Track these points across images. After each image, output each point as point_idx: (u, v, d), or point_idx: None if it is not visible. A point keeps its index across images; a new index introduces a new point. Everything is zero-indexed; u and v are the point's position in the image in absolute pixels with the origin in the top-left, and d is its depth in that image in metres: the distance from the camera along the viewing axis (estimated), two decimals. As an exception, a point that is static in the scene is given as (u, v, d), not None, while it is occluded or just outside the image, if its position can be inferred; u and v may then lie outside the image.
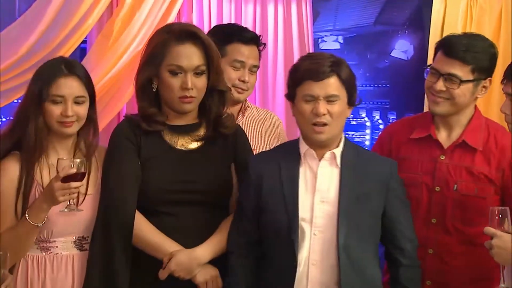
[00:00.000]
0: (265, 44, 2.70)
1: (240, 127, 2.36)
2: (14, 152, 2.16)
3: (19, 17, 3.30)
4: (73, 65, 2.19)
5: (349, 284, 2.01)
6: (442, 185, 2.33)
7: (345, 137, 2.17)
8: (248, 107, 2.71)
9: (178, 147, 2.19)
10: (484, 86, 2.32)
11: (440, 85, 2.27)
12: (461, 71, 2.25)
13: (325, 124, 2.04)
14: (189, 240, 2.12)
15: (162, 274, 2.07)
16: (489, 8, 3.39)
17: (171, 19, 3.53)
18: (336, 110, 2.05)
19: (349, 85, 2.08)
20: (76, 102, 2.14)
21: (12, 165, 2.13)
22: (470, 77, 2.26)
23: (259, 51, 2.64)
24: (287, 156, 2.14)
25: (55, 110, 2.13)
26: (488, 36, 3.39)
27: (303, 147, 2.12)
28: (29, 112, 2.14)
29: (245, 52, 2.54)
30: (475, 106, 2.40)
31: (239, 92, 2.56)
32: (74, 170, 2.00)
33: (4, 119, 3.63)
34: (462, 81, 2.25)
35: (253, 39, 2.59)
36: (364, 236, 2.07)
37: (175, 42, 2.13)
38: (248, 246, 2.15)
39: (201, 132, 2.23)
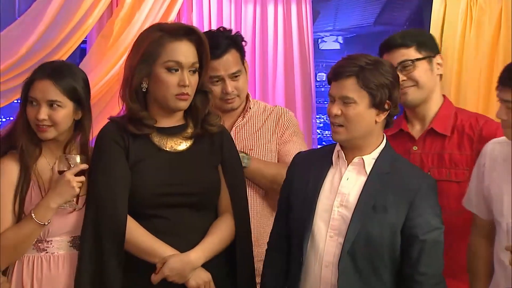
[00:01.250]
0: (246, 41, 2.63)
1: (226, 129, 2.34)
2: (13, 151, 2.16)
3: (19, 17, 3.31)
4: (57, 70, 2.15)
5: None
6: None
7: (388, 145, 2.10)
8: (250, 108, 2.68)
9: (167, 149, 2.17)
10: (438, 63, 2.43)
11: (400, 76, 2.31)
12: (408, 55, 2.37)
13: (340, 125, 2.01)
14: (181, 242, 2.10)
15: (155, 279, 2.06)
16: (489, 8, 3.39)
17: (171, 19, 3.53)
18: (350, 113, 1.98)
19: (373, 89, 1.98)
20: (51, 106, 2.12)
21: (12, 165, 2.13)
22: (419, 56, 2.37)
23: (240, 50, 2.58)
24: (323, 157, 2.13)
25: (31, 112, 2.13)
26: (488, 36, 3.40)
27: (337, 148, 2.11)
28: (20, 113, 2.17)
29: (218, 66, 2.48)
30: (444, 96, 2.48)
31: (230, 103, 2.55)
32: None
33: (4, 119, 3.64)
34: (413, 61, 2.36)
35: (227, 49, 2.51)
36: (376, 248, 1.99)
37: (171, 38, 2.10)
38: (281, 240, 2.16)
39: (189, 132, 2.21)
